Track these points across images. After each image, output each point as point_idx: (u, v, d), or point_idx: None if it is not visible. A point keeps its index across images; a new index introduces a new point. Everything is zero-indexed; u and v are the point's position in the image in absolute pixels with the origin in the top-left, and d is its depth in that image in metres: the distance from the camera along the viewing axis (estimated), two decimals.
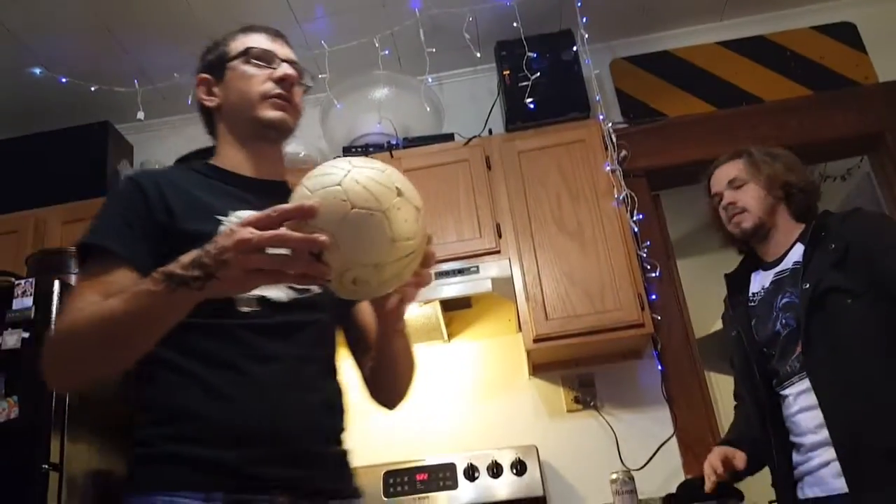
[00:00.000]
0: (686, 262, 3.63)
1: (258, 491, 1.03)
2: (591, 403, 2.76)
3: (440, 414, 2.82)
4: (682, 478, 2.56)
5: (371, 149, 2.89)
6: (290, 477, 1.06)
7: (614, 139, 2.85)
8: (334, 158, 0.96)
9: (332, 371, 1.21)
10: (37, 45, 2.96)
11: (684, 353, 2.81)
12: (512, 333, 2.87)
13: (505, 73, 2.97)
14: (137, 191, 1.15)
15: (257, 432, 1.06)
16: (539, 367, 2.81)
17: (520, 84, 2.89)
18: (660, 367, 2.77)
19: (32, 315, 2.17)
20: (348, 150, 2.93)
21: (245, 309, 1.11)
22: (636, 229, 2.76)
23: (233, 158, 1.27)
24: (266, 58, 1.28)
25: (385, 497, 2.55)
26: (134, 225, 1.12)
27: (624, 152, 2.91)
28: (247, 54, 1.27)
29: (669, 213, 3.17)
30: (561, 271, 2.61)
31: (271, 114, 1.24)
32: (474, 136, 2.88)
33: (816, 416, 1.71)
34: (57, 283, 2.25)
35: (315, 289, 1.16)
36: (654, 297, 2.72)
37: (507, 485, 2.54)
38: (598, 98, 2.99)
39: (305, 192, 0.91)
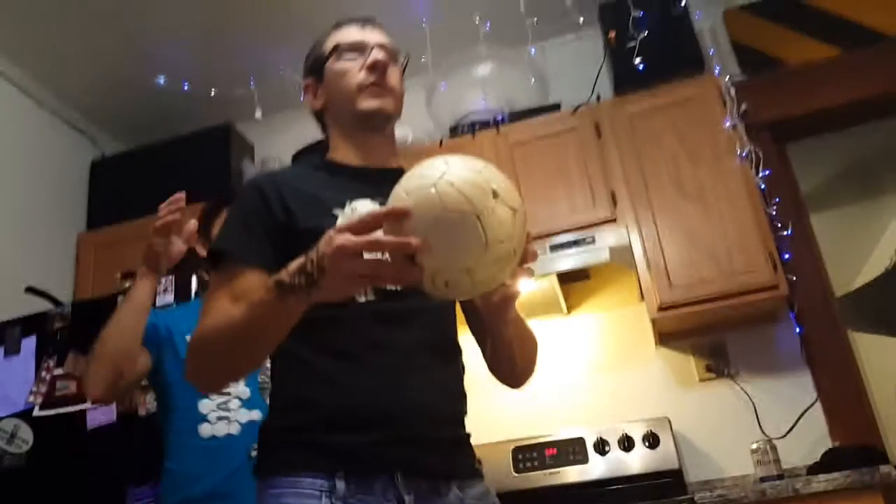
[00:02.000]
0: (820, 216, 3.41)
1: (378, 471, 1.06)
2: (725, 371, 2.65)
3: (566, 389, 2.79)
4: (828, 445, 2.42)
5: (477, 126, 2.87)
6: (407, 459, 1.08)
7: (733, 93, 2.69)
8: (433, 158, 0.95)
9: (448, 355, 1.22)
10: (159, 54, 3.14)
11: (824, 313, 2.64)
12: (634, 303, 2.79)
13: (610, 35, 2.86)
14: (258, 194, 1.19)
15: (374, 418, 1.08)
16: (666, 336, 2.72)
17: (627, 45, 2.78)
18: (798, 330, 2.61)
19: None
20: (455, 131, 2.93)
21: (361, 299, 1.13)
22: (763, 186, 2.60)
23: (345, 151, 1.30)
24: (357, 48, 1.28)
25: (515, 472, 2.56)
26: (255, 227, 1.16)
27: (744, 106, 2.74)
28: (337, 50, 1.29)
29: (798, 165, 2.97)
30: (683, 236, 2.51)
31: (368, 104, 1.25)
32: (582, 104, 2.80)
33: None
34: (194, 278, 2.39)
35: None
36: (787, 256, 2.56)
37: (639, 458, 2.49)
38: (711, 52, 2.84)
39: (402, 193, 0.91)
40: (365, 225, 0.89)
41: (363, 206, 1.19)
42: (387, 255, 0.89)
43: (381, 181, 1.20)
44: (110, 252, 3.12)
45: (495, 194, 0.90)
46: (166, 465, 1.77)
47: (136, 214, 3.15)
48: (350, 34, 1.30)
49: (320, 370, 1.11)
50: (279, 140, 3.45)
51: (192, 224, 1.85)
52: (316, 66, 1.33)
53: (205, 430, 1.72)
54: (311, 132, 3.40)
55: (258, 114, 3.11)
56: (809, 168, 3.19)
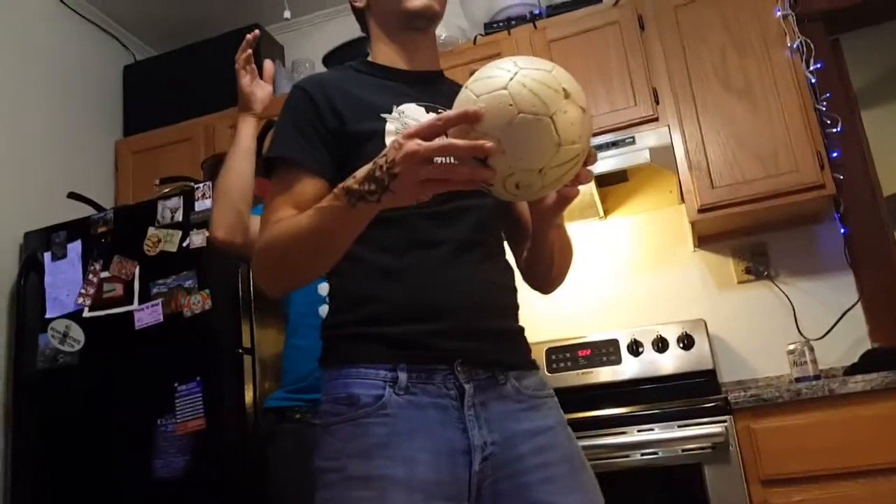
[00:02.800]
0: (872, 113, 3.27)
1: (437, 361, 1.10)
2: (765, 273, 2.62)
3: (601, 291, 2.79)
4: (867, 347, 2.41)
5: (513, 22, 2.76)
6: (466, 348, 1.12)
7: None
8: (500, 60, 0.94)
9: (497, 253, 1.25)
10: None
11: (870, 213, 2.57)
12: (673, 205, 2.74)
13: None
14: (307, 99, 1.19)
15: (429, 310, 1.12)
16: (705, 239, 2.68)
17: None
18: (842, 231, 2.55)
19: None
20: (489, 27, 2.82)
21: None
22: (813, 80, 2.47)
23: (387, 53, 1.29)
24: None
25: (548, 372, 2.60)
26: (308, 133, 1.16)
27: None
28: None
29: (851, 59, 2.82)
30: (727, 134, 2.42)
31: (415, 2, 1.24)
32: None
33: None
34: None
35: None
36: (835, 154, 2.47)
37: (673, 358, 2.51)
38: None
39: (471, 96, 0.90)
40: (435, 129, 0.89)
41: (410, 110, 1.20)
42: (452, 160, 0.89)
43: (425, 84, 1.23)
44: (148, 158, 3.14)
45: (567, 94, 0.90)
46: (291, 341, 1.84)
47: (171, 119, 3.16)
48: None
49: (378, 266, 1.14)
50: (309, 42, 3.39)
51: (270, 64, 1.86)
52: None
53: (324, 310, 1.75)
54: (340, 34, 3.32)
55: (287, 14, 3.03)
56: (863, 61, 3.03)
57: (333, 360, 1.15)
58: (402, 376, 1.08)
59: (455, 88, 1.11)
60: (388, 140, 1.13)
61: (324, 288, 1.77)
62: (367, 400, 1.07)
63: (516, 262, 1.31)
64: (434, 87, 1.26)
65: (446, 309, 1.12)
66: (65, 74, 3.10)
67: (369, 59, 1.31)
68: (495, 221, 1.27)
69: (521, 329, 1.24)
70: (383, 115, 1.17)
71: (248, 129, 1.80)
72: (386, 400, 1.07)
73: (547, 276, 1.28)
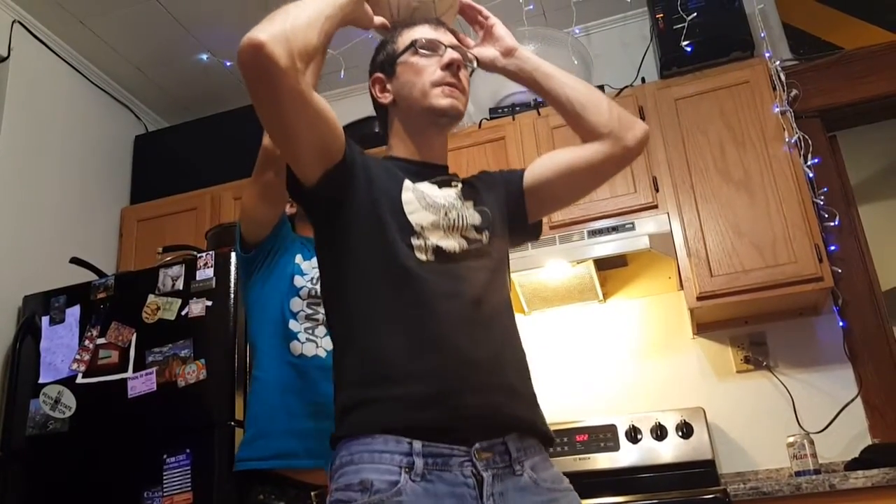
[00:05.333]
0: (869, 208, 3.32)
1: (455, 439, 1.08)
2: (764, 363, 2.60)
3: (599, 376, 2.77)
4: (867, 442, 2.38)
5: (518, 108, 2.84)
6: (490, 403, 1.11)
7: (783, 78, 2.62)
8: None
9: (505, 311, 1.27)
10: (202, 33, 3.16)
11: (869, 307, 2.57)
12: (672, 291, 2.75)
13: (658, 16, 2.80)
14: (353, 145, 1.27)
15: (451, 362, 1.12)
16: (704, 326, 2.68)
17: (674, 27, 2.71)
18: (841, 324, 2.55)
19: (214, 285, 2.34)
20: (495, 111, 2.91)
21: (422, 257, 1.18)
22: (811, 175, 2.53)
23: (403, 150, 1.35)
24: (432, 46, 1.32)
25: None
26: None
27: (795, 91, 2.67)
28: (414, 46, 1.32)
29: (849, 155, 2.88)
30: (726, 224, 2.46)
31: (443, 101, 1.29)
32: (626, 87, 2.75)
33: None
34: (234, 255, 2.41)
35: (484, 239, 1.26)
36: (833, 248, 2.50)
37: (672, 447, 2.47)
38: (762, 35, 2.75)
39: None
40: None
41: (423, 186, 1.28)
42: None
43: (436, 171, 1.33)
44: (153, 226, 3.18)
45: None
46: (256, 374, 1.75)
47: (179, 189, 3.21)
48: (425, 32, 1.35)
49: (392, 326, 1.15)
50: None
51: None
52: (388, 62, 1.36)
53: (295, 347, 1.70)
54: (348, 113, 3.40)
55: None
56: (860, 158, 3.10)
57: (348, 429, 1.12)
58: (419, 462, 1.06)
59: (455, 177, 1.32)
60: (405, 198, 1.22)
61: (294, 325, 1.71)
62: (380, 485, 1.05)
63: (583, 140, 1.40)
64: (440, 172, 1.34)
65: (463, 362, 1.12)
66: (78, 141, 3.16)
67: (386, 155, 1.37)
68: (503, 283, 1.29)
69: (534, 393, 1.25)
70: (406, 182, 1.26)
71: None
72: (401, 486, 1.04)
73: (582, 108, 1.38)
